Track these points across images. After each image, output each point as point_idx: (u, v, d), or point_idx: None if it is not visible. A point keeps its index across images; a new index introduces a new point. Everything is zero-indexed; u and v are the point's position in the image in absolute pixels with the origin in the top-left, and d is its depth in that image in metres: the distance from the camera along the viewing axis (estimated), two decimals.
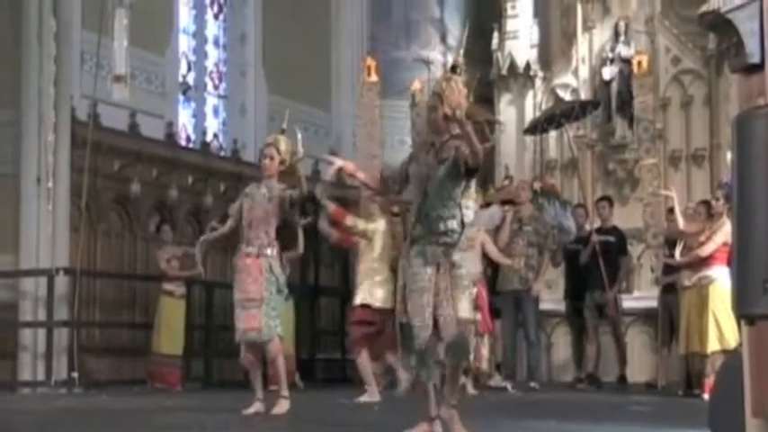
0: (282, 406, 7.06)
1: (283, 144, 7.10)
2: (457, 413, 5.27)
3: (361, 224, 9.06)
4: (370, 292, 8.91)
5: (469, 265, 5.47)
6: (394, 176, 5.51)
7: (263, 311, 6.94)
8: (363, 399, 8.74)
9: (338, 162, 5.72)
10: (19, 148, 10.78)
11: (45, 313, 10.59)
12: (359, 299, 8.99)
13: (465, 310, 5.21)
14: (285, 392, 7.11)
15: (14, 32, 10.86)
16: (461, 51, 5.70)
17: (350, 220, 9.05)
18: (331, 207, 9.02)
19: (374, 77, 13.47)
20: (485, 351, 10.15)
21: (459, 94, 5.16)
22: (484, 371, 10.29)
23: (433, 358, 5.25)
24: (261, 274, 6.97)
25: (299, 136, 6.95)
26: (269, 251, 7.05)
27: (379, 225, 8.99)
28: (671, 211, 10.13)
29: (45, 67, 10.75)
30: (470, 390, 9.68)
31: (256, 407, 7.06)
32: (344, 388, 10.84)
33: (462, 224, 5.26)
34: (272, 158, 7.06)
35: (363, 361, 9.01)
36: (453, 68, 5.42)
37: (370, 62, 13.71)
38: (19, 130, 10.79)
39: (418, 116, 13.36)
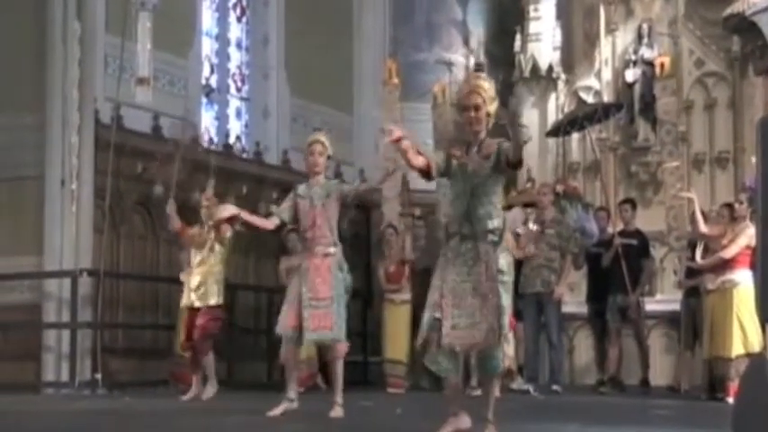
0: (338, 411, 6.94)
1: (326, 140, 7.13)
2: (494, 428, 5.26)
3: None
4: (219, 291, 9.45)
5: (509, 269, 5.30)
6: (439, 165, 5.27)
7: (334, 310, 6.90)
8: (207, 394, 9.38)
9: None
10: (43, 150, 10.82)
11: (69, 315, 10.63)
12: (216, 299, 9.43)
13: (506, 326, 5.15)
14: (340, 399, 7.00)
15: (39, 36, 10.91)
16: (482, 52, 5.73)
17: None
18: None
19: (395, 80, 13.48)
20: (509, 349, 10.09)
21: (491, 91, 5.22)
22: (509, 368, 10.23)
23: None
24: (329, 272, 6.94)
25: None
26: (333, 249, 7.02)
27: (228, 230, 9.31)
28: (693, 213, 10.09)
29: (69, 70, 10.80)
30: (496, 392, 9.64)
31: (285, 406, 6.94)
32: (367, 390, 10.85)
33: (504, 223, 5.26)
34: (320, 154, 7.06)
35: (210, 358, 9.53)
36: (478, 67, 5.45)
37: (391, 64, 13.73)
38: (43, 133, 10.84)
39: (440, 118, 13.36)
